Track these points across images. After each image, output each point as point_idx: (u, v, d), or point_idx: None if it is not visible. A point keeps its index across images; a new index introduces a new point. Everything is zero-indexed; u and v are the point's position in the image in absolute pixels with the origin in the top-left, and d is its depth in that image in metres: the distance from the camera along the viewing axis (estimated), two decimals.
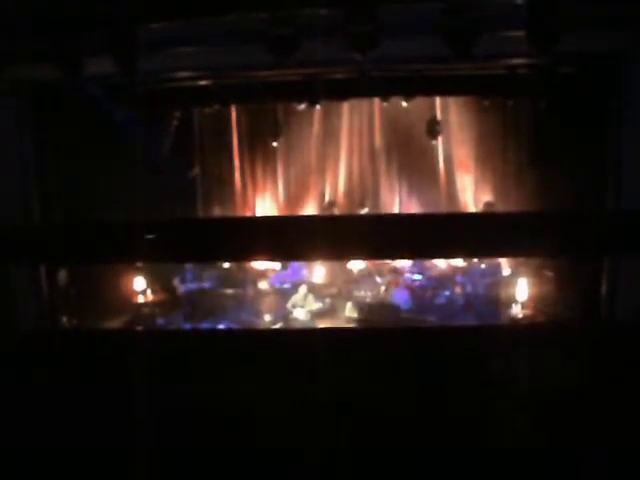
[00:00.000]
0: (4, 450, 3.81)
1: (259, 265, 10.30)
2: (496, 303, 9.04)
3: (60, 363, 4.38)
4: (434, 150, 11.06)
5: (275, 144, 10.72)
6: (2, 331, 6.76)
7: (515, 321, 8.48)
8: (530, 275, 9.13)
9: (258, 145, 11.41)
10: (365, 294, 9.63)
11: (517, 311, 8.61)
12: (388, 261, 10.16)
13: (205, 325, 8.78)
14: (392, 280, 9.84)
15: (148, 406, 3.83)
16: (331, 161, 11.47)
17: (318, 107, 9.50)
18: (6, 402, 4.12)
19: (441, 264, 10.33)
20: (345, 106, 11.00)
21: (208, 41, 6.45)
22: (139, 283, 9.40)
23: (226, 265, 10.37)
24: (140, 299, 9.41)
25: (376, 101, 10.36)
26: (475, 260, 10.12)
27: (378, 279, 9.90)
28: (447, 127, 10.72)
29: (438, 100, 10.54)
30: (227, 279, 10.16)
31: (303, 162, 11.46)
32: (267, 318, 8.99)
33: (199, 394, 3.95)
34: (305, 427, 3.78)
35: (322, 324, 8.87)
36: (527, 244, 3.95)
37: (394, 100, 9.05)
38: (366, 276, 10.08)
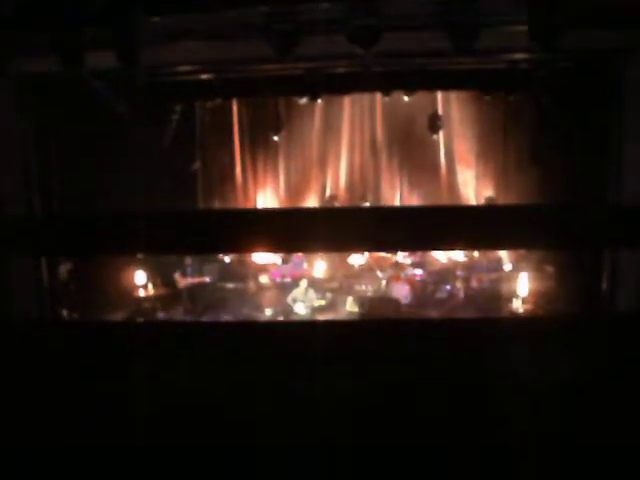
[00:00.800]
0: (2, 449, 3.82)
1: (260, 259, 10.30)
2: (497, 298, 9.05)
3: (59, 356, 4.38)
4: (435, 144, 11.06)
5: (276, 138, 10.72)
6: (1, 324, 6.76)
7: (515, 315, 8.49)
8: (531, 270, 9.13)
9: (259, 139, 11.42)
10: (366, 288, 9.63)
11: (518, 305, 8.62)
12: (389, 255, 10.17)
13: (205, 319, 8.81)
14: (393, 274, 9.85)
15: (147, 402, 3.83)
16: (332, 155, 11.48)
17: (319, 101, 9.50)
18: (3, 396, 4.11)
19: (442, 259, 10.34)
20: (346, 100, 11.00)
21: (210, 35, 6.44)
22: (140, 277, 9.40)
23: (227, 259, 10.38)
24: (141, 293, 9.41)
25: (377, 95, 10.35)
26: (476, 255, 10.13)
27: (379, 273, 9.90)
28: (448, 122, 10.72)
29: (439, 95, 10.55)
30: (228, 273, 10.16)
31: (304, 156, 11.47)
32: (268, 312, 9.00)
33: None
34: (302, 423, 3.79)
35: (323, 318, 8.88)
36: (527, 237, 3.95)
37: (395, 94, 9.05)
38: (367, 270, 10.08)
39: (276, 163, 11.59)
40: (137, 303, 9.37)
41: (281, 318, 8.87)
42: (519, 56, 7.31)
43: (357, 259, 10.22)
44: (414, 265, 10.15)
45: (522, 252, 9.49)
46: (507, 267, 9.92)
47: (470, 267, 9.99)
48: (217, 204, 11.34)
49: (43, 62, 6.32)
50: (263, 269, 10.27)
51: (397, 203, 11.38)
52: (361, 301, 9.15)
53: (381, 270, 9.99)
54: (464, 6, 5.39)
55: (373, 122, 11.30)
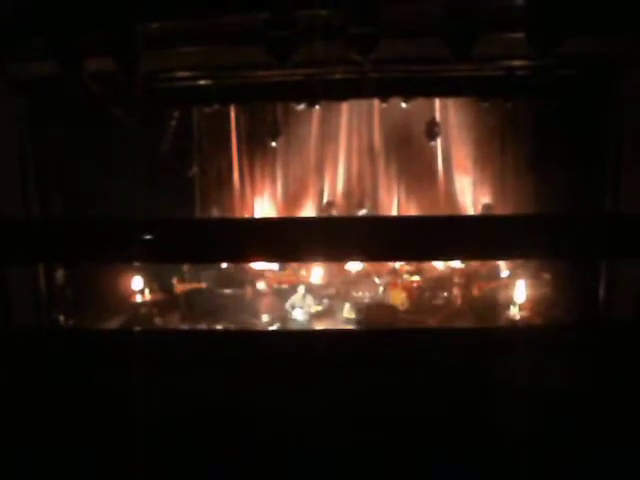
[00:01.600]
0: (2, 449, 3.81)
1: (257, 266, 10.28)
2: (494, 305, 9.03)
3: (55, 362, 4.37)
4: (433, 151, 11.06)
5: (274, 144, 10.71)
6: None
7: (513, 323, 8.48)
8: (528, 277, 9.12)
9: (257, 145, 11.41)
10: (363, 295, 9.62)
11: (515, 313, 8.60)
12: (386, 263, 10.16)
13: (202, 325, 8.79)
14: (390, 281, 9.83)
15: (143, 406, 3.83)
16: (330, 162, 11.47)
17: (317, 107, 9.50)
18: (1, 400, 4.11)
19: (439, 266, 10.33)
20: (344, 107, 11.00)
21: (208, 41, 6.44)
22: (137, 283, 9.38)
23: (224, 265, 10.35)
24: (138, 298, 9.39)
25: (375, 102, 10.35)
26: (473, 263, 10.12)
27: (376, 280, 9.89)
28: (446, 128, 10.72)
29: (437, 101, 10.55)
30: (225, 279, 10.13)
31: (302, 162, 11.45)
32: (265, 319, 8.98)
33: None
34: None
35: (320, 325, 8.87)
36: (525, 246, 3.95)
37: (393, 101, 9.06)
38: (364, 277, 10.06)
39: (274, 169, 11.57)
40: (134, 309, 9.34)
41: (278, 324, 8.86)
42: (517, 63, 7.32)
43: (354, 265, 10.20)
44: (411, 272, 10.13)
45: (519, 260, 9.49)
46: (504, 274, 9.91)
47: (468, 274, 9.98)
48: (214, 210, 11.31)
49: (42, 65, 6.32)
50: (260, 275, 10.26)
51: (394, 209, 11.37)
52: (358, 307, 9.14)
53: (378, 276, 9.98)
54: (462, 13, 5.38)
55: (371, 128, 11.29)
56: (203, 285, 9.90)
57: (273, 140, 10.59)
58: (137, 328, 8.75)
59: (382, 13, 5.38)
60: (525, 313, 8.62)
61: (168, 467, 3.81)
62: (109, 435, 3.87)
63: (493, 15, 5.59)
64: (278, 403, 3.99)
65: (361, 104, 10.93)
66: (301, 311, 8.97)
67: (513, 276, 9.57)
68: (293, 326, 8.83)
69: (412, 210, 11.26)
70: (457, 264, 10.14)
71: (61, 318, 8.32)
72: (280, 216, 11.38)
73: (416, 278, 9.94)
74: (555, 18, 5.05)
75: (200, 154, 11.35)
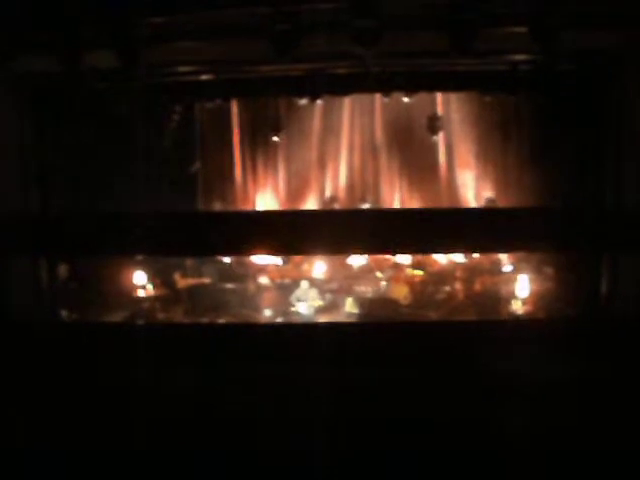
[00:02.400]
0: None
1: (259, 260, 10.29)
2: (497, 299, 9.03)
3: (57, 356, 4.38)
4: (435, 146, 11.05)
5: (276, 139, 10.70)
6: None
7: (515, 317, 8.48)
8: (531, 272, 9.12)
9: (259, 140, 11.39)
10: (366, 289, 9.61)
11: (517, 307, 8.60)
12: (389, 256, 10.16)
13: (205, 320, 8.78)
14: (393, 276, 9.83)
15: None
16: (332, 156, 11.45)
17: (319, 102, 9.49)
18: (3, 394, 4.11)
19: (442, 260, 10.33)
20: (346, 101, 10.98)
21: (210, 35, 6.44)
22: (139, 277, 9.38)
23: (227, 260, 10.36)
24: (140, 293, 9.39)
25: (377, 96, 10.34)
26: (476, 256, 10.12)
27: (379, 274, 9.89)
28: (448, 123, 10.71)
29: (439, 96, 10.53)
30: (227, 274, 10.14)
31: (304, 157, 11.44)
32: (267, 313, 8.98)
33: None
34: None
35: (323, 319, 8.86)
36: (528, 240, 3.95)
37: (395, 95, 9.04)
38: (367, 271, 10.06)
39: (276, 164, 11.56)
40: (136, 303, 9.35)
41: (281, 319, 8.86)
42: (520, 57, 7.31)
43: (357, 260, 10.20)
44: (414, 266, 10.12)
45: (522, 253, 9.49)
46: (507, 269, 9.91)
47: (470, 269, 9.98)
48: (217, 204, 11.31)
49: (43, 61, 6.31)
50: (263, 270, 10.25)
51: (396, 204, 11.36)
52: (361, 302, 9.14)
53: (381, 271, 9.97)
54: (465, 7, 5.38)
55: (373, 123, 11.28)
56: (206, 280, 9.91)
57: (275, 135, 10.58)
58: (140, 322, 8.76)
59: (385, 6, 5.37)
60: (528, 307, 8.63)
61: (170, 464, 3.82)
62: (111, 429, 3.87)
63: (495, 8, 5.58)
64: (278, 400, 4.01)
65: (363, 98, 10.92)
66: (305, 305, 8.97)
67: (516, 270, 9.57)
68: (297, 320, 8.83)
69: (414, 204, 11.25)
70: (460, 258, 10.14)
71: (63, 312, 8.33)
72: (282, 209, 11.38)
73: (419, 272, 9.93)
74: (557, 11, 5.05)
75: (202, 149, 11.35)
